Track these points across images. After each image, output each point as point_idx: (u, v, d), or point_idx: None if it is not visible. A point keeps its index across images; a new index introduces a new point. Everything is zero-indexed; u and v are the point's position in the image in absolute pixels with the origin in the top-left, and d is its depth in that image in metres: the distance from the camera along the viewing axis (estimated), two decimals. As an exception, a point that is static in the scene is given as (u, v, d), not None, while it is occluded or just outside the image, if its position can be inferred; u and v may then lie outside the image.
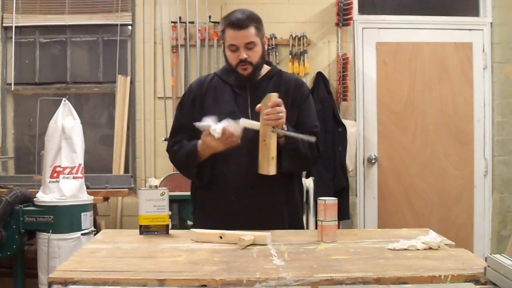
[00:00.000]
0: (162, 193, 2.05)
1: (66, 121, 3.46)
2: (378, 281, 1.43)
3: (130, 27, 4.70)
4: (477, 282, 1.43)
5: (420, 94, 4.68)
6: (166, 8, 4.53)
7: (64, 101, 3.52)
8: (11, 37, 4.61)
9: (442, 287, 1.42)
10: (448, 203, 4.69)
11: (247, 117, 2.15)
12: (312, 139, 2.10)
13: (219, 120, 2.08)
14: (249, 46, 2.19)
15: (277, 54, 4.52)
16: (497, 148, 4.66)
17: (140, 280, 1.43)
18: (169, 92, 4.54)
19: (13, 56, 4.61)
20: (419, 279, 1.43)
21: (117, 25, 4.63)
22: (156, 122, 4.58)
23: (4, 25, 4.64)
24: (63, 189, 3.38)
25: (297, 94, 2.30)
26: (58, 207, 3.37)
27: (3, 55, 4.63)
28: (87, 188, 3.60)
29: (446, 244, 1.78)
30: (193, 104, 2.31)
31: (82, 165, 3.50)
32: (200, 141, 2.17)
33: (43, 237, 3.35)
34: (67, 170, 3.42)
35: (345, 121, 4.42)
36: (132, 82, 4.62)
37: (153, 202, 2.04)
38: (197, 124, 2.10)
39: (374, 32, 4.68)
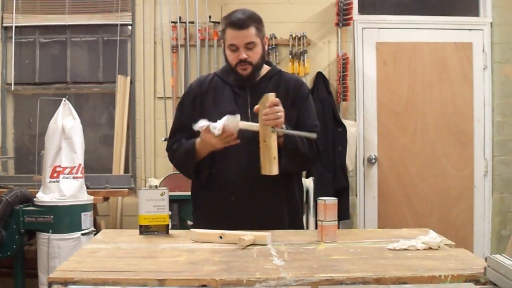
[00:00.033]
0: (162, 193, 2.05)
1: (66, 121, 3.46)
2: (378, 281, 1.43)
3: (130, 27, 4.70)
4: (477, 282, 1.43)
5: (420, 94, 4.68)
6: (166, 8, 4.53)
7: (64, 101, 3.52)
8: (11, 37, 4.61)
9: (442, 287, 1.42)
10: (448, 203, 4.69)
11: (246, 117, 2.15)
12: (313, 135, 2.10)
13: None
14: (249, 46, 2.19)
15: (277, 54, 4.52)
16: (497, 148, 4.66)
17: (140, 280, 1.43)
18: (169, 92, 4.54)
19: (13, 56, 4.61)
20: (419, 279, 1.43)
21: (117, 25, 4.63)
22: (156, 122, 4.58)
23: (4, 25, 4.64)
24: (63, 189, 3.38)
25: (297, 94, 2.30)
26: (58, 207, 3.37)
27: (3, 55, 4.63)
28: (87, 188, 3.60)
29: (446, 244, 1.78)
30: (193, 104, 2.31)
31: (82, 165, 3.49)
32: (198, 139, 2.17)
33: (43, 237, 3.35)
34: (67, 170, 3.41)
35: (345, 121, 4.42)
36: (132, 82, 4.62)
37: (153, 202, 2.04)
38: (196, 126, 2.10)
39: (374, 32, 4.68)
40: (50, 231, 3.33)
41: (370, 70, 4.67)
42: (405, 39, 4.68)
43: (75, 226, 3.39)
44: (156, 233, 2.04)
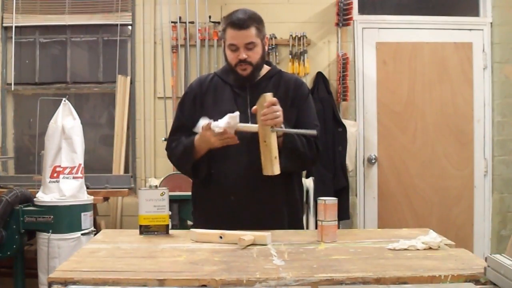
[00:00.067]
0: (162, 193, 2.05)
1: (66, 121, 3.46)
2: (378, 281, 1.43)
3: (130, 27, 4.70)
4: (477, 282, 1.43)
5: (420, 94, 4.68)
6: (166, 8, 4.53)
7: (64, 101, 3.52)
8: (11, 37, 4.61)
9: (442, 287, 1.42)
10: (448, 203, 4.69)
11: (246, 116, 2.15)
12: (313, 132, 2.10)
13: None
14: (249, 46, 2.19)
15: (277, 54, 4.53)
16: (497, 148, 4.66)
17: (140, 280, 1.43)
18: (169, 92, 4.54)
19: (13, 56, 4.61)
20: (419, 279, 1.43)
21: (117, 25, 4.63)
22: (156, 122, 4.58)
23: (4, 25, 4.64)
24: (63, 189, 3.38)
25: (297, 94, 2.30)
26: (58, 207, 3.37)
27: (3, 55, 4.63)
28: (87, 188, 3.59)
29: (446, 244, 1.78)
30: (193, 104, 2.31)
31: (82, 165, 3.49)
32: (197, 136, 2.17)
33: (43, 237, 3.35)
34: (67, 170, 3.41)
35: (345, 121, 4.42)
36: (132, 82, 4.62)
37: (153, 202, 2.04)
38: (197, 126, 2.10)
39: (374, 32, 4.68)
40: (50, 231, 3.33)
41: (370, 70, 4.67)
42: (405, 39, 4.68)
43: (75, 226, 3.39)
44: (156, 233, 2.04)
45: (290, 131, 2.11)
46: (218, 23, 4.50)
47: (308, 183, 4.05)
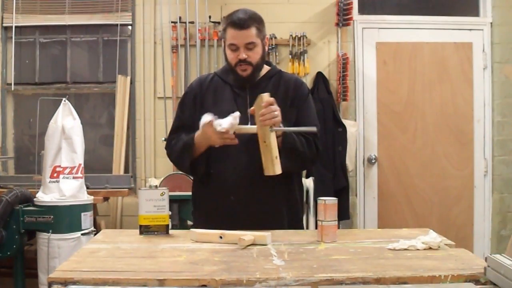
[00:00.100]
0: (162, 193, 2.05)
1: (66, 121, 3.46)
2: (378, 281, 1.43)
3: (130, 27, 4.70)
4: (477, 282, 1.43)
5: (420, 94, 4.68)
6: (166, 8, 4.53)
7: (64, 101, 3.52)
8: (11, 37, 4.61)
9: (442, 287, 1.42)
10: (448, 203, 4.69)
11: (246, 117, 2.15)
12: (313, 129, 2.10)
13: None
14: (249, 46, 2.19)
15: (277, 54, 4.52)
16: (497, 148, 4.66)
17: (140, 280, 1.43)
18: (169, 92, 4.54)
19: (13, 56, 4.61)
20: (419, 279, 1.43)
21: (117, 25, 4.63)
22: (156, 122, 4.58)
23: (4, 25, 4.64)
24: (63, 189, 3.38)
25: (297, 94, 2.30)
26: (58, 207, 3.37)
27: (3, 55, 4.64)
28: (87, 188, 3.59)
29: (446, 244, 1.78)
30: (193, 103, 2.31)
31: (82, 165, 3.49)
32: (198, 132, 2.16)
33: (43, 237, 3.35)
34: (67, 170, 3.41)
35: (345, 121, 4.42)
36: (132, 82, 4.62)
37: (153, 202, 2.04)
38: (201, 121, 2.10)
39: (374, 32, 4.68)
40: (50, 231, 3.33)
41: (370, 70, 4.67)
42: (405, 39, 4.68)
43: (75, 226, 3.39)
44: (156, 233, 2.04)
45: (289, 130, 2.11)
46: (218, 23, 4.50)
47: (308, 183, 4.05)
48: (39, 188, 3.50)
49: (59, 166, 3.41)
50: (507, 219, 4.66)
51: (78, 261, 1.62)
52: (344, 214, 4.27)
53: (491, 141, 4.67)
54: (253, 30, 2.18)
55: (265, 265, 1.57)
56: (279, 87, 2.28)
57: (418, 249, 1.73)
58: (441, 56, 4.68)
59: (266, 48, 2.29)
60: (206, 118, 2.09)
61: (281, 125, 2.07)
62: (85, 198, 3.49)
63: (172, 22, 4.52)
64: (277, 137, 2.09)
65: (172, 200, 3.02)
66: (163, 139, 4.30)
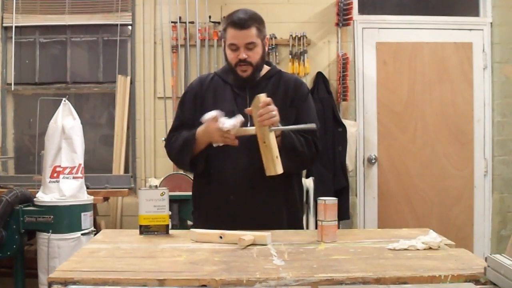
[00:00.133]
0: (162, 193, 2.05)
1: (66, 121, 3.46)
2: (378, 281, 1.43)
3: (130, 27, 4.70)
4: (477, 282, 1.43)
5: (420, 94, 4.68)
6: (166, 8, 4.53)
7: (64, 101, 3.52)
8: (11, 37, 4.61)
9: (442, 287, 1.42)
10: (448, 203, 4.69)
11: (246, 117, 2.15)
12: (312, 125, 2.09)
13: None
14: (249, 46, 2.19)
15: (277, 54, 4.52)
16: (497, 148, 4.66)
17: (140, 280, 1.43)
18: (169, 92, 4.54)
19: (13, 56, 4.61)
20: (419, 279, 1.43)
21: (117, 25, 4.63)
22: (156, 122, 4.58)
23: (4, 25, 4.64)
24: (63, 189, 3.38)
25: (296, 94, 2.30)
26: (58, 207, 3.37)
27: (3, 55, 4.63)
28: (87, 188, 3.60)
29: (446, 244, 1.78)
30: (194, 102, 2.32)
31: (82, 165, 3.49)
32: (202, 126, 2.16)
33: (43, 237, 3.35)
34: (67, 170, 3.41)
35: (345, 121, 4.42)
36: (132, 82, 4.62)
37: (153, 202, 2.04)
38: (206, 115, 2.10)
39: (374, 32, 4.68)
40: (50, 231, 3.33)
41: (370, 70, 4.67)
42: (405, 39, 4.68)
43: (75, 226, 3.39)
44: (156, 233, 2.03)
45: (288, 128, 2.10)
46: (218, 23, 4.50)
47: (308, 183, 4.05)
48: (39, 188, 3.50)
49: (59, 166, 3.41)
50: (507, 219, 4.66)
51: (78, 261, 1.62)
52: (344, 214, 4.27)
53: (491, 141, 4.67)
54: (253, 30, 2.19)
55: (265, 265, 1.57)
56: (279, 87, 2.29)
57: (418, 249, 1.73)
58: (441, 56, 4.68)
59: (266, 48, 2.29)
60: (212, 113, 2.09)
61: (279, 124, 2.07)
62: (85, 198, 3.49)
63: (172, 22, 4.52)
64: (276, 137, 2.09)
65: (172, 200, 3.02)
66: (163, 139, 4.29)
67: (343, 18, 4.45)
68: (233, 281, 1.42)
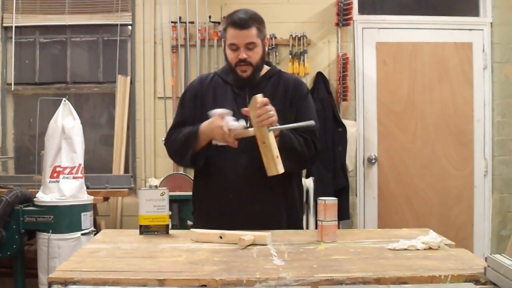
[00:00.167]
0: (162, 193, 2.05)
1: (66, 121, 3.46)
2: (378, 281, 1.43)
3: (130, 27, 4.70)
4: (477, 282, 1.43)
5: (420, 94, 4.68)
6: (166, 8, 4.53)
7: (64, 101, 3.52)
8: (11, 37, 4.61)
9: (442, 287, 1.42)
10: (448, 203, 4.69)
11: (245, 117, 2.15)
12: (311, 123, 2.09)
13: None
14: (249, 46, 2.19)
15: (277, 54, 4.52)
16: (497, 148, 4.66)
17: (140, 280, 1.43)
18: (169, 92, 4.54)
19: (13, 56, 4.61)
20: (419, 279, 1.43)
21: (117, 25, 4.63)
22: (156, 122, 4.58)
23: (4, 25, 4.64)
24: (63, 189, 3.38)
25: (296, 94, 2.30)
26: (58, 207, 3.37)
27: (3, 55, 4.64)
28: (87, 188, 3.60)
29: (446, 244, 1.78)
30: (194, 101, 2.32)
31: (82, 165, 3.50)
32: (207, 121, 2.16)
33: (43, 237, 3.35)
34: (67, 170, 3.41)
35: (345, 121, 4.42)
36: (132, 82, 4.62)
37: (153, 202, 2.04)
38: (213, 111, 2.11)
39: (374, 32, 4.68)
40: (50, 231, 3.33)
41: (370, 70, 4.67)
42: (405, 39, 4.68)
43: (75, 226, 3.39)
44: (156, 233, 2.03)
45: (287, 127, 2.10)
46: (218, 23, 4.50)
47: (308, 183, 4.05)
48: (39, 188, 3.50)
49: (59, 166, 3.41)
50: (507, 219, 4.66)
51: (78, 261, 1.62)
52: (344, 214, 4.27)
53: (491, 141, 4.67)
54: (253, 30, 2.19)
55: (265, 265, 1.57)
56: (279, 87, 2.29)
57: (418, 249, 1.73)
58: (441, 56, 4.68)
59: (266, 49, 2.29)
60: (221, 110, 2.09)
61: (277, 124, 2.07)
62: (85, 198, 3.49)
63: (172, 22, 4.52)
64: (275, 137, 2.09)
65: (172, 200, 3.02)
66: (163, 139, 4.28)
67: (343, 18, 4.45)
68: (233, 281, 1.42)
